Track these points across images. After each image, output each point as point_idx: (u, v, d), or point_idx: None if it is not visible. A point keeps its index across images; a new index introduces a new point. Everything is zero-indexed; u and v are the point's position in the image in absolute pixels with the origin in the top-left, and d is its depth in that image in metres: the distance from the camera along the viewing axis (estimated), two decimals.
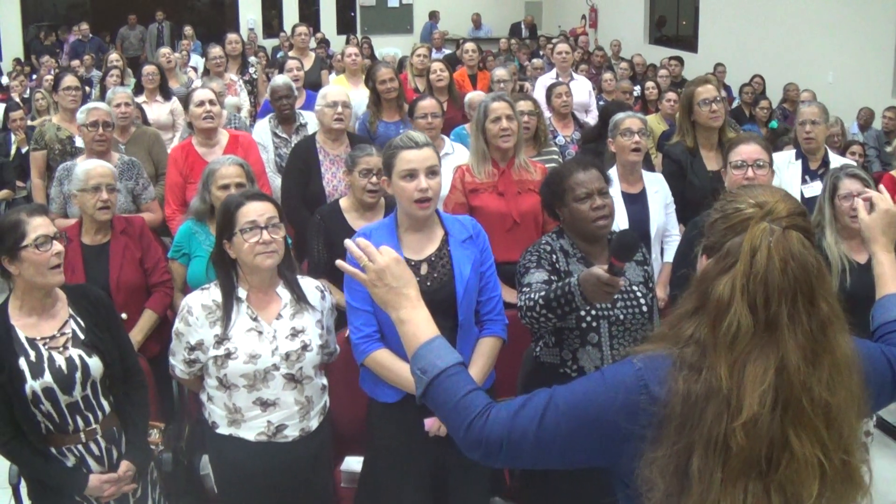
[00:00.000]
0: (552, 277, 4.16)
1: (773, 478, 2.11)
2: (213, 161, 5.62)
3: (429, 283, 4.13)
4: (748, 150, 4.97)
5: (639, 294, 4.32)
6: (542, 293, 3.93)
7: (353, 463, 4.83)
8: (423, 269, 4.16)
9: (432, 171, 4.10)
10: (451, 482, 4.31)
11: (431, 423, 4.17)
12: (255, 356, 4.07)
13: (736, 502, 2.09)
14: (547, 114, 8.59)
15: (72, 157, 7.44)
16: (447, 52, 17.52)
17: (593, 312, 4.21)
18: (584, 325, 4.22)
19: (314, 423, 4.27)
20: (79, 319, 4.15)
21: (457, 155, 6.78)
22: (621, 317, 4.25)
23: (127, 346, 4.36)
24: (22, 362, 3.97)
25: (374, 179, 5.43)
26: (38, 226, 3.97)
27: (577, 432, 2.27)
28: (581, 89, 10.24)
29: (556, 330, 4.28)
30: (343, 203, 5.66)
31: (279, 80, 8.25)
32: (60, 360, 4.01)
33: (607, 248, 4.27)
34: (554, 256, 4.31)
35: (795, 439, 2.10)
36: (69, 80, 8.45)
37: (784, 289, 2.11)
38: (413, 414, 4.14)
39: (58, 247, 3.98)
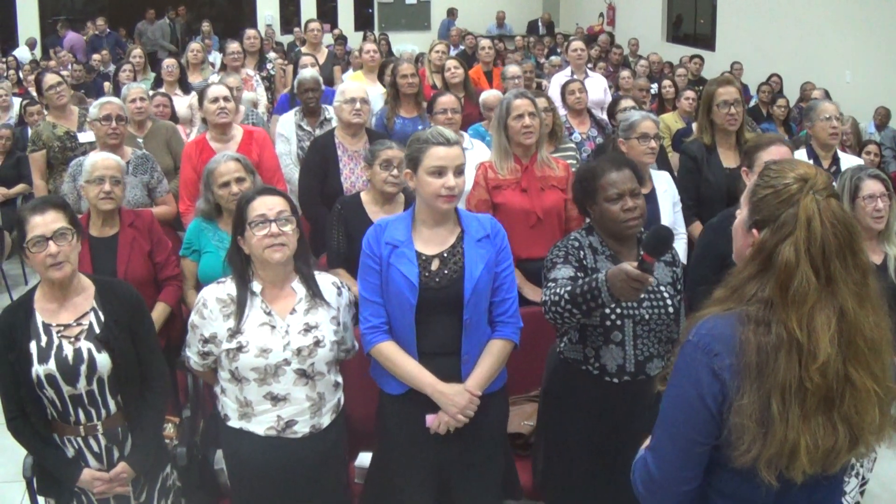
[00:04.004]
0: (579, 274, 4.13)
1: (839, 411, 2.46)
2: (211, 160, 5.60)
3: (438, 280, 4.11)
4: (782, 153, 5.00)
5: (666, 295, 4.27)
6: (568, 288, 3.90)
7: (367, 458, 4.82)
8: (434, 265, 4.14)
9: (460, 170, 4.09)
10: (457, 480, 4.29)
11: (432, 420, 4.16)
12: (267, 350, 4.05)
13: (813, 436, 2.43)
14: (563, 111, 8.58)
15: (73, 151, 7.47)
16: (463, 48, 17.51)
17: (618, 311, 4.17)
18: (608, 323, 4.18)
19: (326, 420, 4.24)
20: (100, 313, 4.15)
21: (475, 151, 6.79)
22: (646, 316, 4.21)
23: (150, 348, 4.31)
24: (32, 346, 4.01)
25: (394, 172, 5.45)
26: (35, 226, 3.99)
27: (696, 424, 2.58)
28: (596, 87, 10.24)
29: (580, 326, 4.25)
30: (364, 196, 5.68)
31: (306, 73, 8.30)
32: (68, 350, 4.02)
33: (637, 247, 4.26)
34: (582, 253, 4.28)
35: (855, 374, 2.46)
36: (50, 78, 8.36)
37: (836, 248, 2.47)
38: (417, 408, 4.17)
39: (52, 248, 3.96)
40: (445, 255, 4.16)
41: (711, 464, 2.62)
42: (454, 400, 4.10)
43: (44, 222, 4.00)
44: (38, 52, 22.09)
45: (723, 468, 2.59)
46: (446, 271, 4.13)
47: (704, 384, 2.53)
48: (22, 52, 20.72)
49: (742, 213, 2.69)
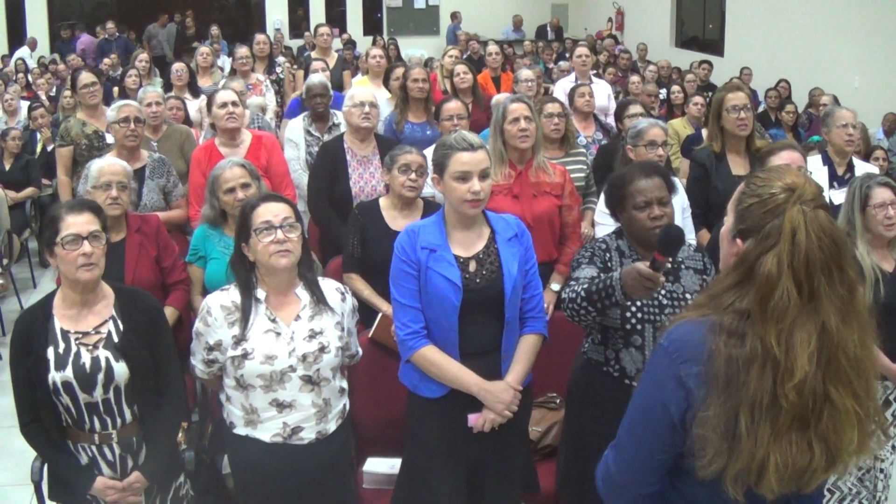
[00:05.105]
0: (601, 275, 4.11)
1: (816, 430, 2.38)
2: (216, 166, 5.60)
3: (478, 280, 4.14)
4: (794, 158, 5.01)
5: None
6: (585, 286, 3.94)
7: (376, 464, 4.83)
8: (472, 267, 4.16)
9: (484, 174, 4.12)
10: (488, 479, 4.32)
11: (476, 419, 4.17)
12: (272, 357, 4.05)
13: (784, 455, 2.36)
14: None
15: (99, 151, 7.47)
16: (469, 54, 17.54)
17: (639, 315, 4.20)
18: (628, 326, 4.21)
19: (331, 427, 4.24)
20: (119, 322, 4.13)
21: None
22: (667, 323, 4.20)
23: (167, 358, 4.28)
24: (50, 352, 3.99)
25: (412, 176, 5.45)
26: (71, 224, 3.98)
27: (656, 431, 2.56)
28: (600, 93, 10.21)
29: (602, 328, 4.29)
30: (382, 202, 5.68)
31: (315, 78, 8.29)
32: (86, 358, 4.00)
33: None
34: (608, 255, 4.32)
35: (835, 393, 2.38)
36: (85, 76, 8.41)
37: (822, 262, 2.38)
38: (455, 410, 4.18)
39: (87, 247, 3.95)
40: (481, 256, 4.20)
41: (679, 470, 2.58)
42: (500, 397, 4.12)
43: (80, 222, 4.00)
44: (46, 51, 22.16)
45: (689, 476, 2.54)
46: (484, 272, 4.17)
47: (668, 391, 2.51)
48: (23, 53, 20.79)
49: (728, 221, 2.64)
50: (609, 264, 4.28)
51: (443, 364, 4.14)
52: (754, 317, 2.41)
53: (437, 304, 4.12)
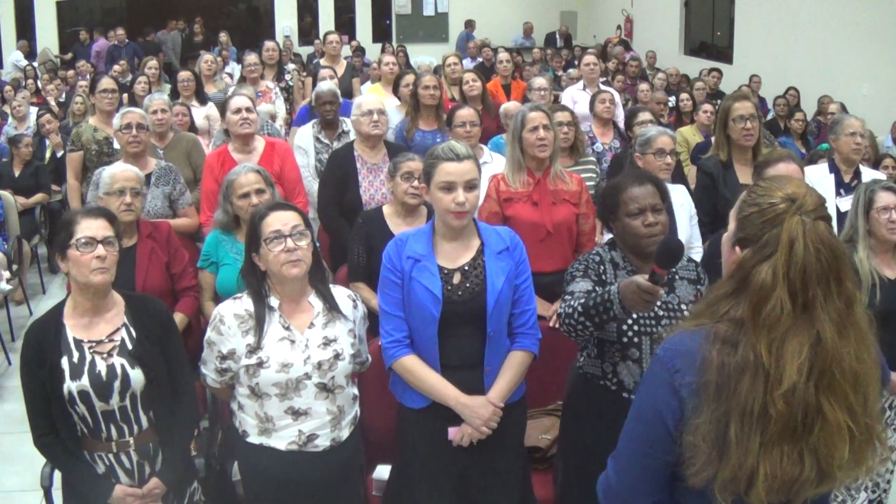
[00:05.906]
0: (597, 288, 4.10)
1: (807, 442, 2.36)
2: (231, 171, 5.62)
3: (460, 293, 4.13)
4: (791, 170, 4.99)
5: (686, 314, 4.17)
6: (582, 300, 3.89)
7: (386, 472, 4.82)
8: (456, 279, 4.15)
9: (471, 185, 4.10)
10: (476, 493, 4.29)
11: (455, 432, 4.17)
12: (288, 365, 4.05)
13: (774, 465, 2.34)
14: (585, 125, 8.58)
15: (109, 157, 7.49)
16: (481, 60, 17.54)
17: (636, 328, 4.16)
18: (625, 339, 4.17)
19: (345, 433, 4.25)
20: (132, 329, 4.12)
21: (495, 164, 6.81)
22: (664, 335, 4.18)
23: (180, 363, 4.27)
24: (64, 362, 3.97)
25: (415, 183, 5.47)
26: (86, 227, 3.98)
27: (652, 439, 2.56)
28: None
29: (598, 342, 4.25)
30: (386, 209, 5.71)
31: (324, 85, 8.33)
32: (101, 366, 3.98)
33: None
34: (602, 268, 4.27)
35: (828, 406, 2.35)
36: (105, 82, 8.50)
37: (819, 273, 2.37)
38: (439, 421, 4.18)
39: (101, 250, 3.95)
40: (467, 268, 4.18)
41: (673, 479, 2.57)
42: (478, 412, 4.11)
43: (95, 226, 4.01)
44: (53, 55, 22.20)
45: (681, 483, 2.53)
46: (468, 284, 4.15)
47: (662, 400, 2.51)
48: (16, 56, 20.86)
49: (730, 228, 2.65)
50: (603, 276, 4.24)
51: (421, 375, 4.15)
52: (747, 325, 2.40)
53: (418, 315, 4.12)
